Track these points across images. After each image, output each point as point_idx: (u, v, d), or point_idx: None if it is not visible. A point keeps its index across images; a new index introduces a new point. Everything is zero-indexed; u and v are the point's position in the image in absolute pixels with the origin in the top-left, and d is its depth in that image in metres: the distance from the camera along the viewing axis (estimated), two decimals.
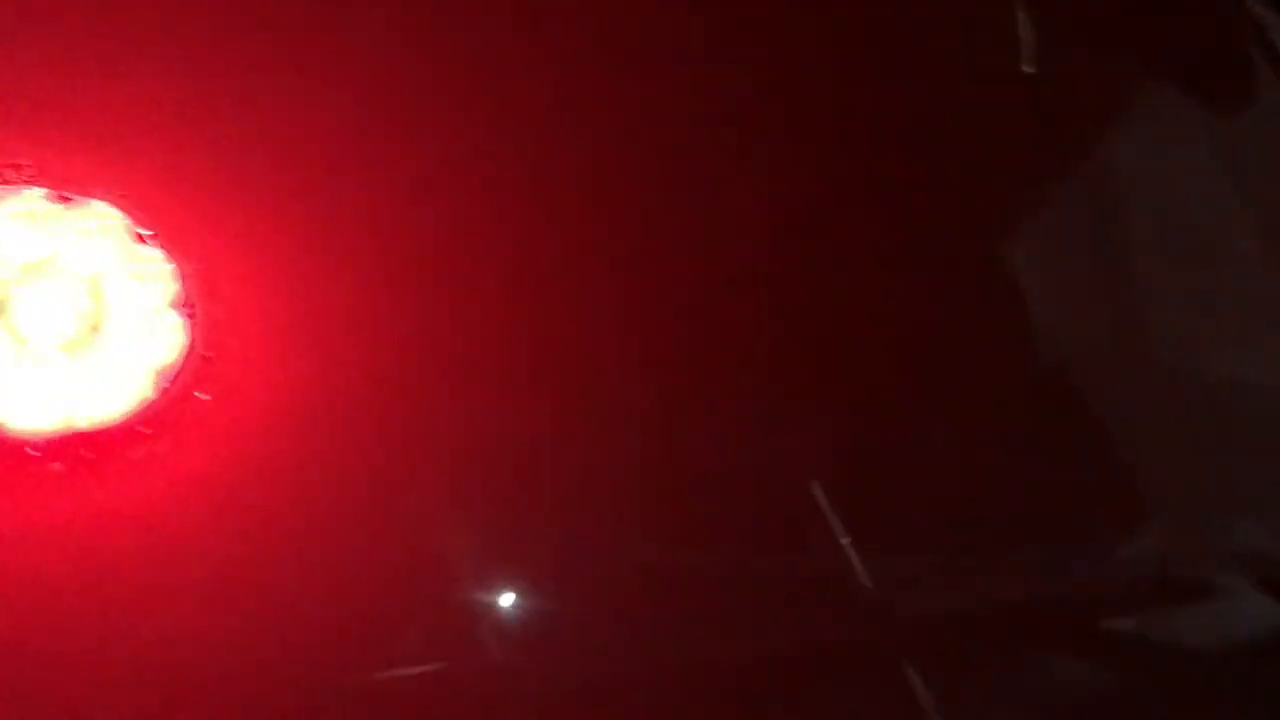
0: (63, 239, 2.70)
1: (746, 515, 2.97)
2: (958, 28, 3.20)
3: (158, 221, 2.72)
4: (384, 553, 2.81)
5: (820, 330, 3.05)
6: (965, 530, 3.10)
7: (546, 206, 2.94)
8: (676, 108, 2.99)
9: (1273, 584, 3.30)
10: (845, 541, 2.90)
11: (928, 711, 2.91)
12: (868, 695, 3.01)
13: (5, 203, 2.73)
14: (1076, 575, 3.17)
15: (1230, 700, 3.26)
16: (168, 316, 2.72)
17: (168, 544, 2.66)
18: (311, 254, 2.78)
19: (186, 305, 2.70)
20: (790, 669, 2.96)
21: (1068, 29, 3.27)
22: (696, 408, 2.95)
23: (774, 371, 2.99)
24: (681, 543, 2.94)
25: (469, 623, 2.84)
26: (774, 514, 2.98)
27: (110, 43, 2.77)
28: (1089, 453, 3.17)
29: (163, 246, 2.71)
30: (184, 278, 2.70)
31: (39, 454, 2.62)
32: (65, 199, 2.72)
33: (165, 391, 2.68)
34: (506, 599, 2.87)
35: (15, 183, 2.73)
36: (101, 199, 2.73)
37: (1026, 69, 3.14)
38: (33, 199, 2.73)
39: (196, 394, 2.66)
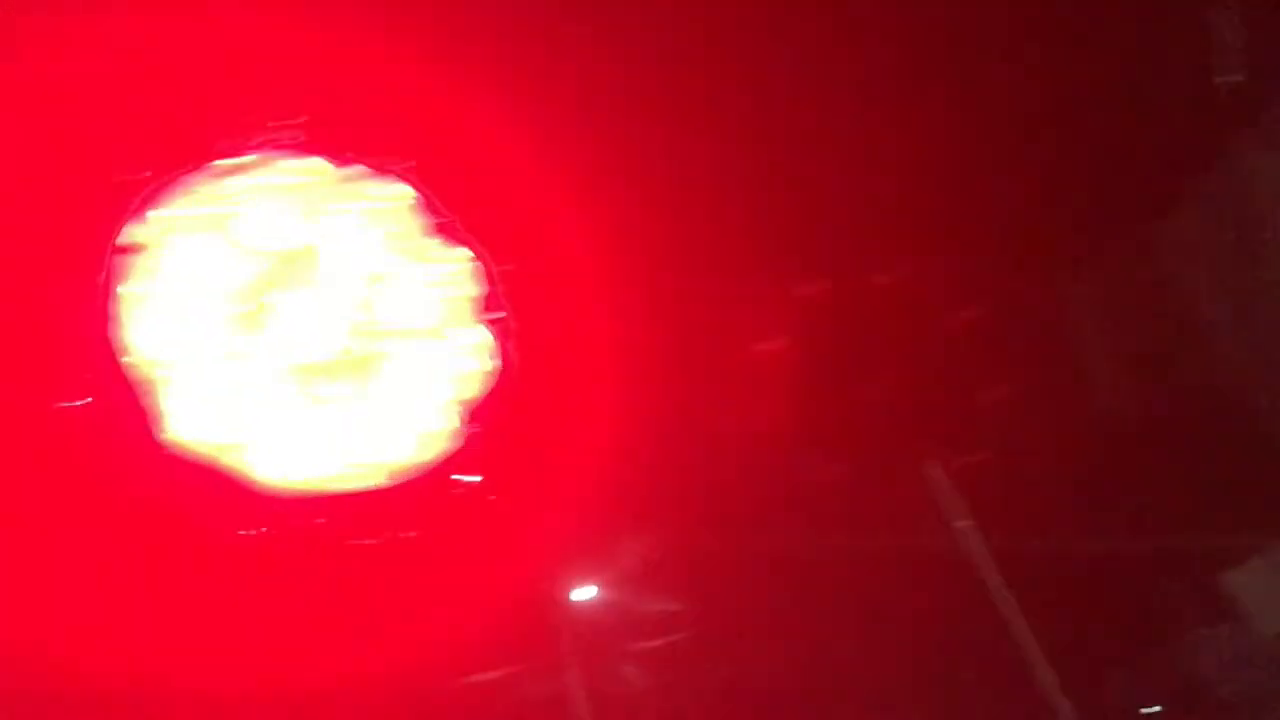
0: (335, 222, 2.10)
1: None
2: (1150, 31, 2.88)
3: (460, 207, 2.12)
4: None
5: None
6: None
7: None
8: None
9: None
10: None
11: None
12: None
13: (270, 168, 2.13)
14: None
15: None
16: (469, 332, 2.12)
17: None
18: (649, 269, 2.17)
19: (494, 316, 2.10)
20: None
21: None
22: None
23: None
24: None
25: None
26: None
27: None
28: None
29: (464, 240, 2.10)
30: (491, 280, 2.10)
31: (298, 512, 2.06)
32: (346, 167, 2.12)
33: (469, 432, 2.10)
34: None
35: (287, 147, 2.13)
36: (392, 175, 2.13)
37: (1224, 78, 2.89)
38: (305, 167, 2.14)
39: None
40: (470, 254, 1.96)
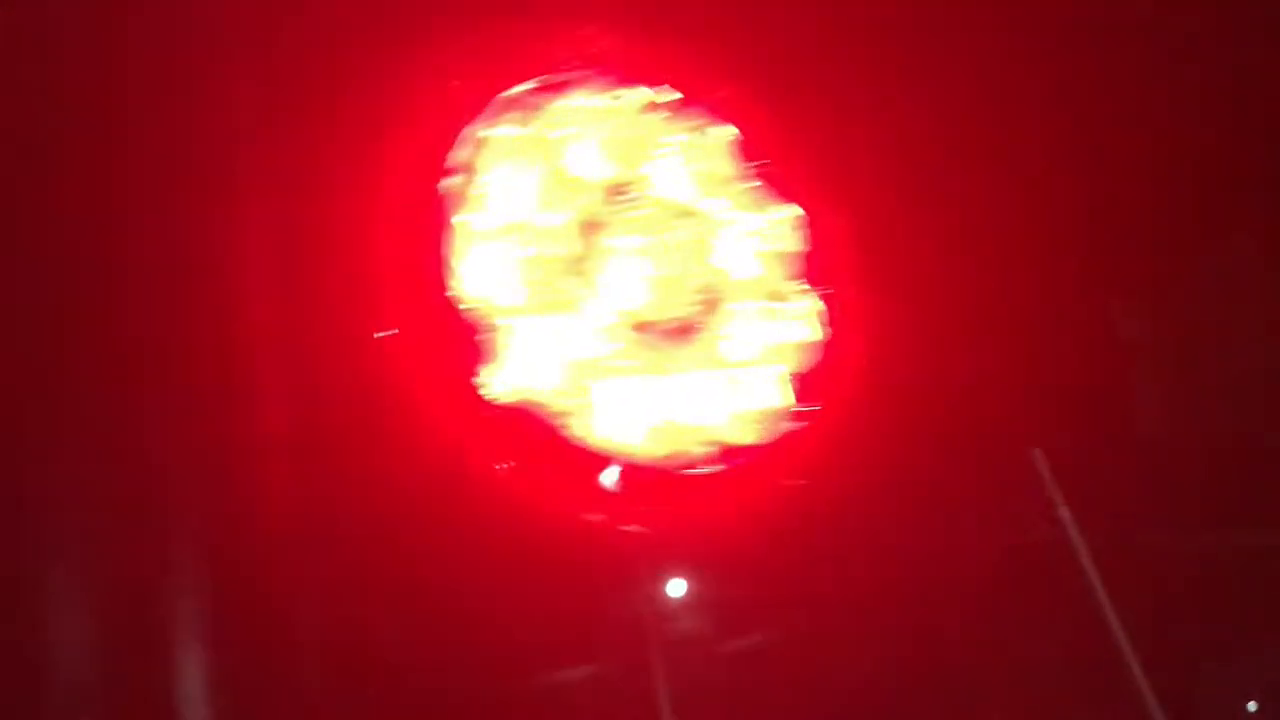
0: (662, 159, 2.10)
1: None
2: None
3: (787, 159, 2.14)
4: None
5: None
6: None
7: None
8: None
9: None
10: None
11: None
12: None
13: (592, 92, 2.10)
14: None
15: None
16: (797, 299, 2.17)
17: None
18: (995, 264, 2.24)
19: (821, 284, 2.15)
20: None
21: None
22: None
23: None
24: None
25: None
26: None
27: None
28: None
29: (793, 195, 2.13)
30: (813, 246, 2.15)
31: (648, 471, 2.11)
32: (672, 98, 2.09)
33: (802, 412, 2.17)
34: None
35: (610, 72, 2.09)
36: (719, 116, 2.12)
37: None
38: (631, 95, 2.11)
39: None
40: (800, 210, 2.00)
